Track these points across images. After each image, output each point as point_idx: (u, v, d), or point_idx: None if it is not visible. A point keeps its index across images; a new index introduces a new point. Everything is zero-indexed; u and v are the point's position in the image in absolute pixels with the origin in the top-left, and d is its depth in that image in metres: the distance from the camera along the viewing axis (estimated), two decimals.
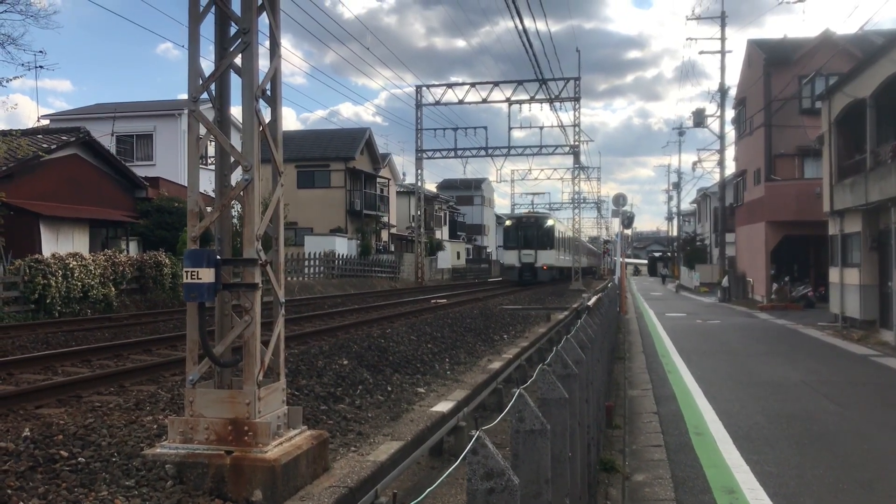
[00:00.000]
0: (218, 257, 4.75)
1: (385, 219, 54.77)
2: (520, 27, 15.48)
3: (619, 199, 32.97)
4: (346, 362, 9.10)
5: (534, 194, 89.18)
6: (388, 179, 56.27)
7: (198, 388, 4.80)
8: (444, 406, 6.97)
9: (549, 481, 2.56)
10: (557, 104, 38.08)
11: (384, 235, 54.66)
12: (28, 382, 7.78)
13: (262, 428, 4.66)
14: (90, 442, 5.15)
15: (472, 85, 39.71)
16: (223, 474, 4.52)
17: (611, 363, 12.78)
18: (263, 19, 5.10)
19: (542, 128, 47.86)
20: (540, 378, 3.19)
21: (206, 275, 4.66)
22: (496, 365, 10.10)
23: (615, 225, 48.33)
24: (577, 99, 40.00)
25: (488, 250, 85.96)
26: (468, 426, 7.15)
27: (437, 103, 40.27)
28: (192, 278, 4.65)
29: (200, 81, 4.96)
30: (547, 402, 3.08)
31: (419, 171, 42.99)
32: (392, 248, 55.10)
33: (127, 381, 7.73)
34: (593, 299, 19.09)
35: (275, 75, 5.20)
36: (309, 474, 4.88)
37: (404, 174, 66.09)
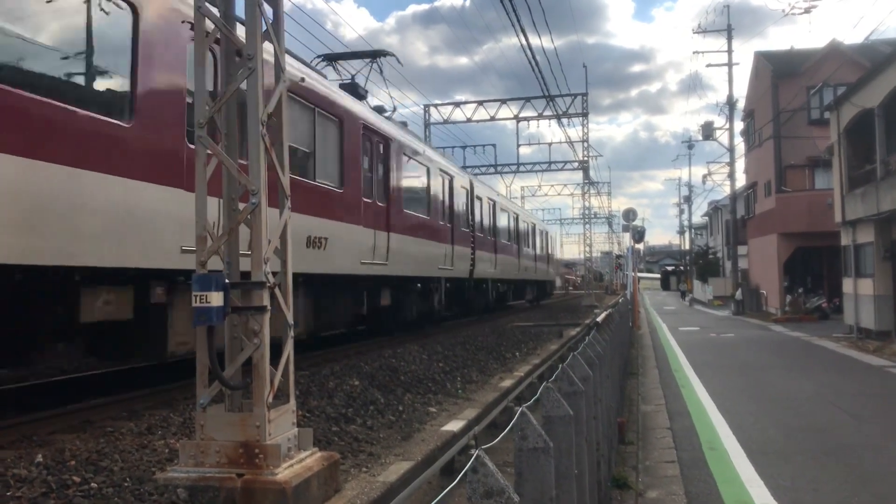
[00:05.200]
0: (227, 281, 4.79)
1: None
2: (524, 43, 15.57)
3: (630, 214, 32.91)
4: (357, 383, 9.11)
5: (543, 209, 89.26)
6: None
7: (208, 411, 4.83)
8: (454, 425, 6.97)
9: (554, 499, 2.57)
10: (565, 120, 38.17)
11: None
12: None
13: (272, 450, 4.67)
14: (102, 467, 5.17)
15: (480, 103, 39.90)
16: (234, 497, 4.52)
17: (623, 379, 12.73)
18: (268, 45, 5.17)
19: (550, 144, 47.85)
20: (544, 396, 3.20)
21: (215, 298, 4.69)
22: (507, 383, 10.08)
23: (626, 239, 47.37)
24: (584, 114, 40.08)
25: None
26: (479, 445, 7.14)
27: (446, 122, 40.44)
28: (201, 302, 4.68)
29: (207, 107, 5.02)
30: (551, 420, 3.08)
31: None
32: None
33: (139, 405, 7.77)
34: (602, 315, 19.05)
35: (280, 99, 5.26)
36: (320, 496, 4.88)
37: None
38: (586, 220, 57.20)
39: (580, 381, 3.82)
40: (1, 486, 4.69)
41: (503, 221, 27.65)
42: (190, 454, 4.74)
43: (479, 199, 23.64)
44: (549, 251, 41.49)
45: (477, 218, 22.67)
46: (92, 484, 4.80)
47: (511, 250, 28.80)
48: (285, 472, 4.63)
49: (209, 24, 5.05)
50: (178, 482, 4.59)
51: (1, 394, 8.70)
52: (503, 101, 39.69)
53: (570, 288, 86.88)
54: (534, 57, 18.56)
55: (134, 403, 7.92)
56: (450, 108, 40.83)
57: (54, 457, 5.38)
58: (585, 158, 43.26)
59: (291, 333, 5.19)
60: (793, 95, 32.18)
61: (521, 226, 31.96)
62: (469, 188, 22.01)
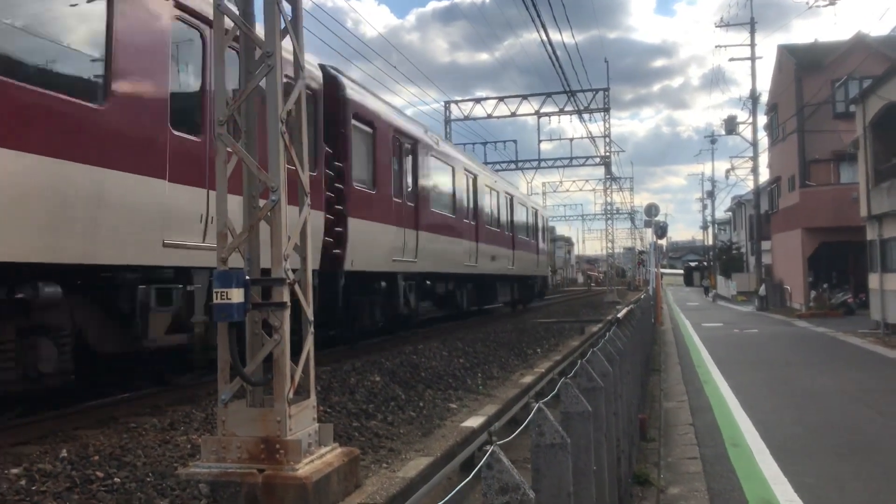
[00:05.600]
0: (247, 277, 4.81)
1: None
2: (545, 39, 15.53)
3: (651, 209, 32.77)
4: (378, 379, 9.13)
5: (565, 205, 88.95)
6: None
7: (230, 407, 4.86)
8: (474, 421, 6.96)
9: (572, 495, 2.56)
10: (586, 115, 38.01)
11: None
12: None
13: (293, 445, 4.69)
14: (125, 462, 5.23)
15: (501, 99, 39.86)
16: (255, 493, 4.55)
17: (645, 375, 12.67)
18: (287, 43, 5.19)
19: (571, 140, 47.75)
20: (562, 392, 3.19)
21: (236, 295, 4.71)
22: (528, 379, 10.07)
23: (649, 235, 46.81)
24: (606, 110, 39.91)
25: None
26: (497, 441, 7.14)
27: (467, 118, 40.44)
28: (222, 299, 4.71)
29: (227, 105, 5.05)
30: (569, 416, 3.07)
31: None
32: None
33: (162, 401, 7.84)
34: (624, 311, 18.96)
35: (299, 97, 5.27)
36: (340, 491, 4.90)
37: None
38: (608, 215, 56.91)
39: (599, 378, 3.80)
40: (27, 481, 4.76)
41: (441, 181, 17.64)
42: (212, 449, 4.78)
43: (371, 127, 13.37)
44: (539, 237, 31.11)
45: (357, 161, 12.74)
46: (115, 479, 4.85)
47: (460, 229, 18.69)
48: (306, 468, 4.65)
49: (228, 22, 5.08)
50: (200, 477, 4.63)
51: (28, 390, 8.82)
52: (524, 97, 39.62)
53: (593, 284, 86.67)
54: (554, 52, 18.47)
55: (157, 399, 8.00)
56: (470, 104, 40.82)
57: (78, 452, 5.44)
58: (607, 154, 43.09)
59: (311, 329, 5.21)
60: (817, 89, 31.82)
61: (486, 195, 21.88)
62: (324, 95, 11.43)
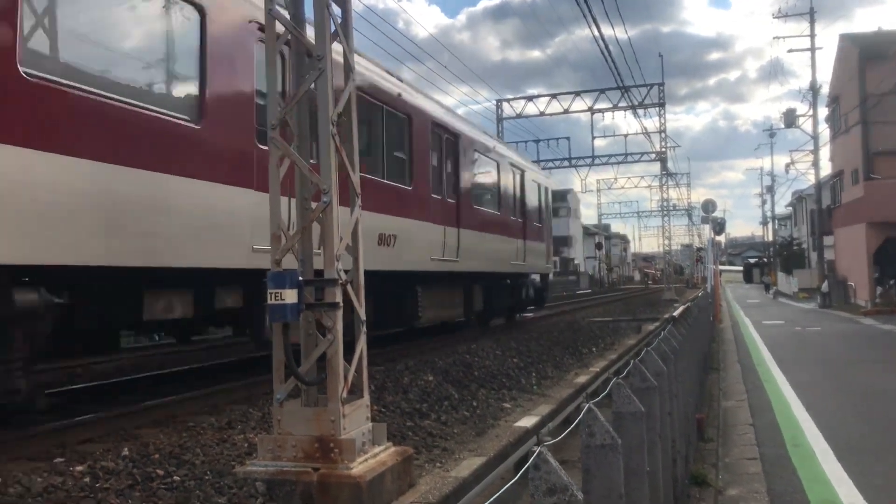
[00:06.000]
0: (300, 278, 4.87)
1: None
2: (597, 34, 15.39)
3: (709, 206, 32.21)
4: (431, 378, 9.16)
5: (620, 202, 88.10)
6: None
7: (285, 406, 4.92)
8: (528, 421, 6.94)
9: (623, 496, 2.53)
10: (641, 111, 37.55)
11: None
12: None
13: (347, 444, 4.73)
14: (184, 461, 5.34)
15: (553, 96, 39.60)
16: (311, 491, 4.61)
17: (704, 374, 12.45)
18: (337, 45, 5.23)
19: (626, 135, 46.85)
20: (614, 392, 3.16)
21: (290, 296, 4.77)
22: (583, 379, 10.00)
23: (706, 232, 45.90)
24: (661, 105, 39.39)
25: (576, 262, 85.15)
26: (550, 440, 7.10)
27: (519, 116, 40.29)
28: (276, 299, 4.78)
29: (279, 108, 5.12)
30: (621, 416, 3.04)
31: None
32: None
33: (220, 400, 7.99)
34: (680, 309, 18.66)
35: (349, 98, 5.31)
36: (394, 490, 4.92)
37: None
38: (665, 212, 56.18)
39: (653, 377, 3.75)
40: (90, 478, 4.90)
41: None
42: (268, 448, 4.85)
43: None
44: (529, 212, 19.45)
45: None
46: (175, 477, 4.96)
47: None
48: (360, 467, 4.69)
49: (279, 27, 5.14)
50: (257, 476, 4.71)
51: (90, 388, 9.07)
52: (577, 94, 39.32)
53: (650, 282, 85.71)
54: (607, 48, 18.29)
55: (215, 398, 8.15)
56: (522, 102, 40.66)
57: (139, 450, 5.58)
58: (663, 149, 42.53)
59: (364, 329, 5.25)
60: (881, 79, 30.87)
61: (385, 120, 11.58)
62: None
